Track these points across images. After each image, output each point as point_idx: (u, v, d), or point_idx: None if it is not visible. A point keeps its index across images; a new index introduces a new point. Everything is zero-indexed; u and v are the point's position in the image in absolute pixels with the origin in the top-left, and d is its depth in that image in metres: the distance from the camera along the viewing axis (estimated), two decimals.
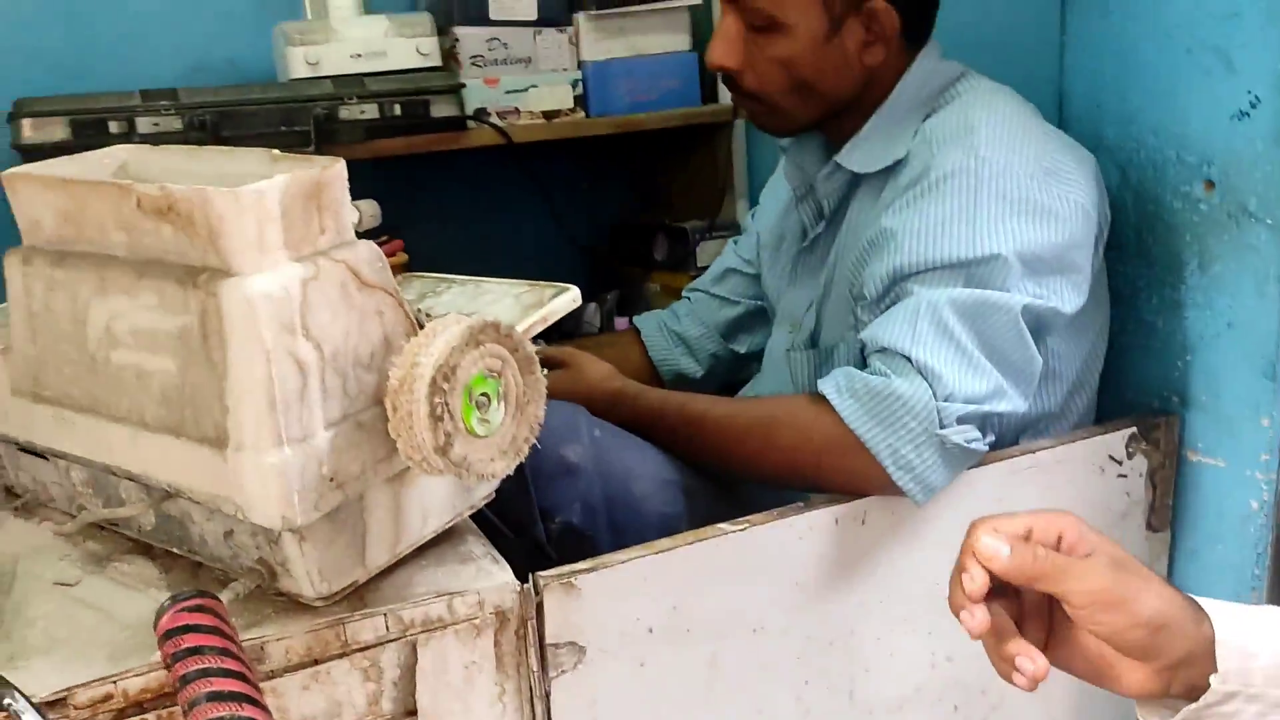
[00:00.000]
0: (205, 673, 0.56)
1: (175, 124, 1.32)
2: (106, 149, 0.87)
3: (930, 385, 0.89)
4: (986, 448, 0.92)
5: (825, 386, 0.92)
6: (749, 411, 0.97)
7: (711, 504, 0.98)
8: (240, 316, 0.66)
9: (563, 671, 0.82)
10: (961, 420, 0.89)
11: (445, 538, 0.83)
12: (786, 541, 0.89)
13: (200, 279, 0.68)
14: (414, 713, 0.77)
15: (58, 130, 1.28)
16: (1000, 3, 1.28)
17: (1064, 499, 1.01)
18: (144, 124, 1.30)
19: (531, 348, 0.72)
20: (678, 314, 1.33)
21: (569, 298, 0.85)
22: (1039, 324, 0.93)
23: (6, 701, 0.55)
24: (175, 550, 0.82)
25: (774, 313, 1.21)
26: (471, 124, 1.54)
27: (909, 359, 0.90)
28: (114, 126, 1.29)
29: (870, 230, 0.97)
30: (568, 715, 0.82)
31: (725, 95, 1.81)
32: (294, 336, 0.67)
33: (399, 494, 0.77)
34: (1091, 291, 0.99)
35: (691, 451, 0.99)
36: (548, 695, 0.82)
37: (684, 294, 1.36)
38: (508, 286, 0.89)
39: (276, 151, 0.76)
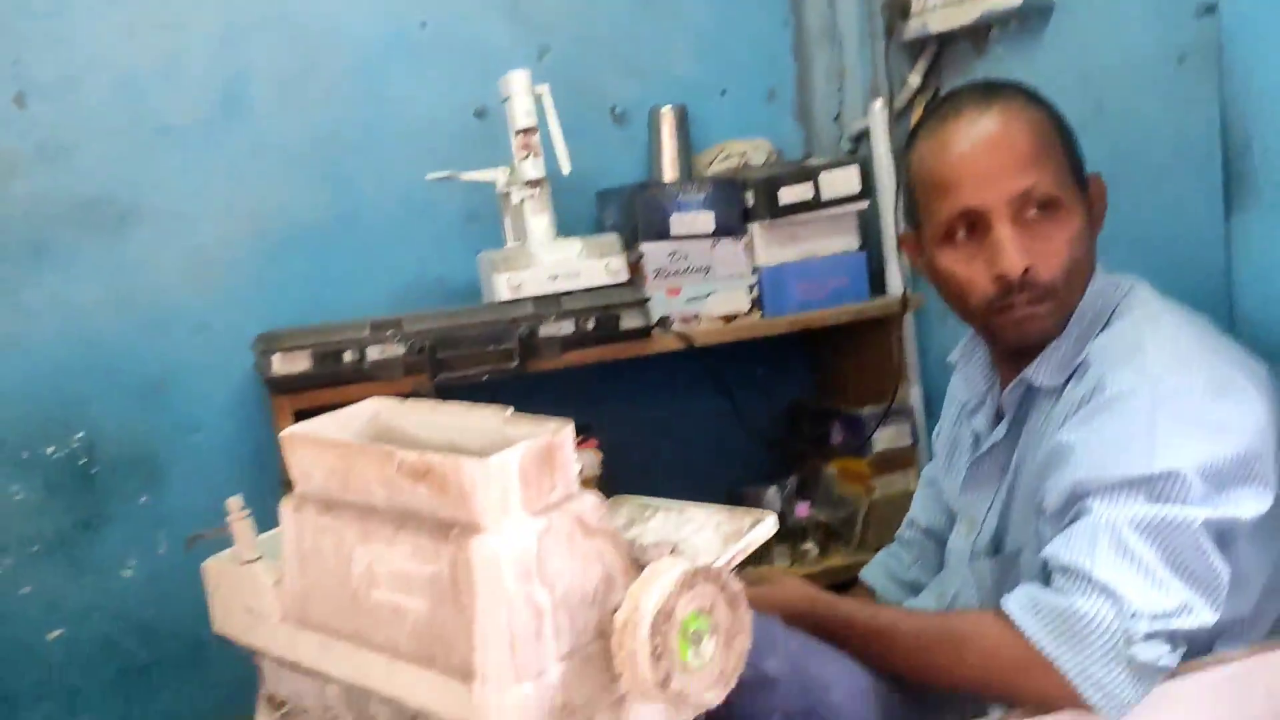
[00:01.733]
0: None
1: (399, 350, 1.49)
2: (361, 404, 1.01)
3: (1113, 603, 0.91)
4: (1175, 663, 0.93)
5: (1009, 605, 0.96)
6: (936, 626, 1.01)
7: (904, 711, 1.01)
8: (486, 568, 0.76)
9: None
10: (1149, 637, 0.91)
11: None
12: None
13: (452, 533, 0.79)
14: None
15: (302, 362, 1.46)
16: (1160, 200, 1.32)
17: (1259, 709, 0.99)
18: (373, 352, 1.48)
19: (738, 585, 0.80)
20: (902, 560, 1.37)
21: (767, 527, 0.93)
22: (1223, 535, 0.95)
23: None
24: None
25: (952, 515, 1.25)
26: (656, 332, 1.67)
27: (1089, 578, 0.93)
28: (348, 356, 1.47)
29: (1048, 443, 1.02)
30: None
31: (893, 288, 1.90)
32: (531, 583, 0.77)
33: (620, 717, 0.84)
34: (1278, 497, 1.00)
35: (882, 663, 1.03)
36: None
37: (900, 533, 1.40)
38: (708, 513, 0.97)
39: (509, 412, 0.88)
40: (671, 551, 0.91)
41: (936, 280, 1.13)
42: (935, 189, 1.07)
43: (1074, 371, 1.03)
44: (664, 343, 1.64)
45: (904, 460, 1.86)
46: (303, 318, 1.61)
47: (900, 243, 1.21)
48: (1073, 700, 0.92)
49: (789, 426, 2.06)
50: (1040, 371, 1.06)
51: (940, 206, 1.07)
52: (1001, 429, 1.11)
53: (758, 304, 1.77)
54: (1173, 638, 0.92)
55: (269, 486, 1.83)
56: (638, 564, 0.85)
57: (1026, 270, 1.03)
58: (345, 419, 0.98)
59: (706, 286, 1.73)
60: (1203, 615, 0.93)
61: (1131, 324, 1.03)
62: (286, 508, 0.94)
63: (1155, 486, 0.94)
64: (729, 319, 1.74)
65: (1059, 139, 1.07)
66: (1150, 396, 0.95)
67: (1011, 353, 1.11)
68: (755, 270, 1.77)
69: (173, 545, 1.84)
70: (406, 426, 0.95)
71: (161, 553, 1.84)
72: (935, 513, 1.33)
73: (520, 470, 0.78)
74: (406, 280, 1.91)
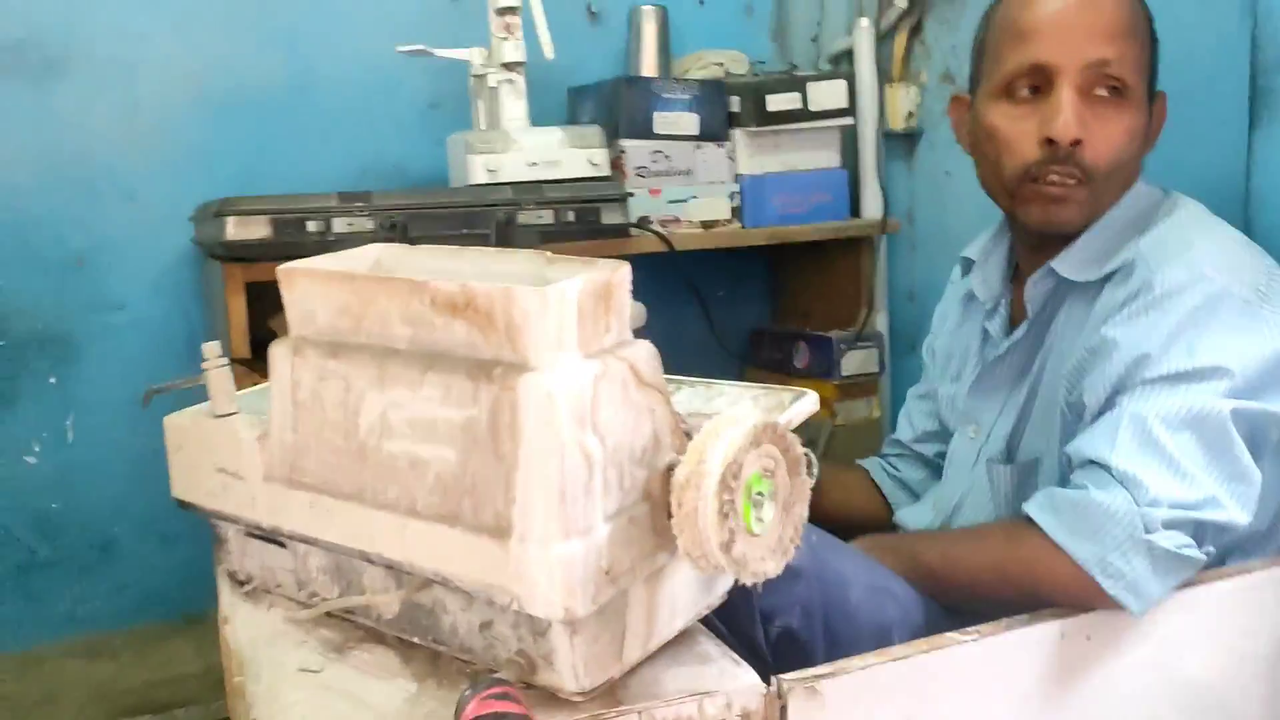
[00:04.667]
0: None
1: (367, 224, 1.37)
2: (361, 249, 0.91)
3: (1130, 493, 0.88)
4: (1204, 557, 0.90)
5: (1029, 508, 0.94)
6: (955, 537, 0.99)
7: (921, 612, 0.97)
8: (537, 410, 0.68)
9: None
10: (1169, 525, 0.88)
11: (679, 637, 0.83)
12: (1014, 654, 0.88)
13: (494, 373, 0.70)
14: None
15: (260, 229, 1.34)
16: (1184, 113, 1.29)
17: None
18: (339, 224, 1.36)
19: (801, 449, 0.73)
20: (892, 463, 1.33)
21: (809, 402, 0.87)
22: (1254, 437, 0.92)
23: None
24: (415, 640, 0.83)
25: (951, 423, 1.21)
26: (635, 231, 1.58)
27: (1109, 469, 0.90)
28: (312, 226, 1.35)
29: (1089, 339, 0.98)
30: None
31: (870, 210, 1.85)
32: (585, 431, 0.68)
33: (654, 591, 0.77)
34: None
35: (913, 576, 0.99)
36: None
37: (884, 450, 1.36)
38: (741, 389, 0.91)
39: (550, 253, 0.80)
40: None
41: (978, 139, 1.08)
42: (1012, 37, 1.02)
43: (1116, 270, 0.99)
44: (644, 243, 1.57)
45: (869, 387, 1.83)
46: (242, 193, 1.47)
47: (951, 104, 1.15)
48: (1095, 594, 0.88)
49: (751, 346, 2.00)
50: (1067, 263, 1.02)
51: (1010, 56, 1.02)
52: (1023, 328, 1.07)
53: (737, 214, 1.70)
54: (1197, 530, 0.89)
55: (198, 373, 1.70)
56: (684, 431, 0.78)
57: (1077, 143, 0.99)
58: (347, 261, 0.88)
59: (688, 190, 1.66)
60: (1232, 511, 0.90)
61: (1179, 224, 1.00)
62: (280, 354, 0.83)
63: (1193, 380, 0.91)
64: (708, 225, 1.67)
65: (1147, 34, 1.03)
66: (1201, 294, 0.93)
67: (1034, 241, 1.07)
68: (737, 179, 1.71)
69: (83, 432, 1.69)
70: (419, 274, 0.86)
71: (70, 440, 1.69)
72: (927, 426, 1.29)
73: (579, 305, 0.70)
74: (362, 163, 1.78)
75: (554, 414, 0.67)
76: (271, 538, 0.89)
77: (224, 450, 0.88)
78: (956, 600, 0.97)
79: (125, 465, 1.69)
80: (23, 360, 1.64)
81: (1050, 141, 0.99)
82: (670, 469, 0.74)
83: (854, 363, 1.79)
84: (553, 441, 0.67)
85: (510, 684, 0.63)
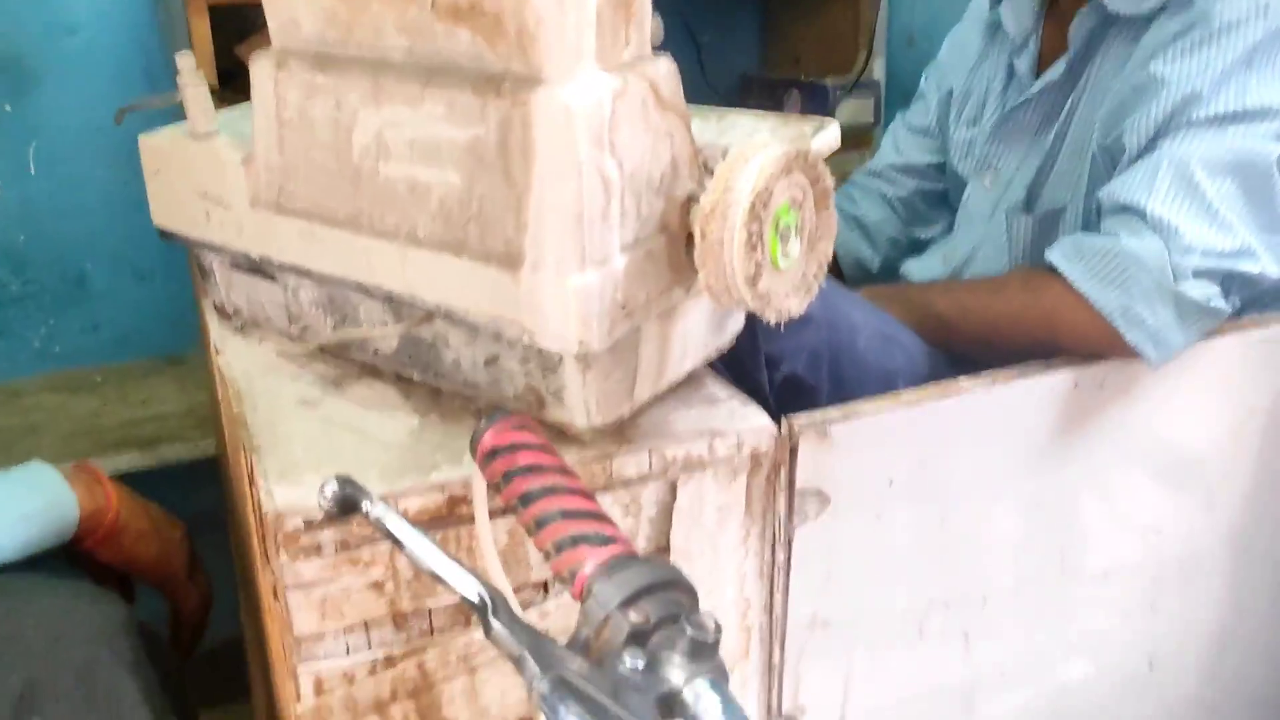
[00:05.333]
0: (551, 490, 0.54)
1: None
2: None
3: (1164, 240, 0.85)
4: (1229, 309, 0.88)
5: (1052, 255, 0.90)
6: (971, 285, 0.96)
7: (927, 362, 0.95)
8: (552, 128, 0.62)
9: (806, 520, 0.80)
10: (1199, 274, 0.86)
11: (687, 379, 0.81)
12: (1026, 401, 0.87)
13: (503, 87, 0.64)
14: (665, 549, 0.76)
15: None
16: None
17: None
18: None
19: (831, 180, 0.69)
20: (853, 197, 1.27)
21: (832, 133, 0.81)
22: None
23: (365, 506, 0.53)
24: (414, 376, 0.80)
25: (964, 171, 1.16)
26: None
27: (1143, 215, 0.86)
28: None
29: (1135, 76, 0.91)
30: (806, 564, 0.81)
31: None
32: (602, 152, 0.63)
33: (667, 329, 0.74)
34: None
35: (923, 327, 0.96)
36: (790, 542, 0.80)
37: (855, 178, 1.30)
38: (756, 118, 0.85)
39: None
40: (724, 154, 0.78)
41: None
42: None
43: (1169, 2, 0.92)
44: None
45: (865, 138, 1.75)
46: None
47: None
48: (1115, 343, 0.86)
49: (740, 95, 1.91)
50: None
51: None
52: (1059, 67, 1.00)
53: None
54: (1227, 280, 0.87)
55: (159, 92, 1.60)
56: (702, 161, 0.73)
57: None
58: None
59: None
60: (1265, 263, 0.87)
61: None
62: (261, 67, 0.76)
63: (1242, 121, 0.86)
64: None
65: None
66: (1263, 29, 0.86)
67: None
68: None
69: (45, 163, 1.60)
70: None
71: (33, 172, 1.60)
72: (918, 160, 1.23)
73: (598, 10, 0.63)
74: None
75: (571, 133, 0.62)
76: (260, 269, 0.85)
77: (206, 174, 0.82)
78: (970, 352, 0.95)
79: (93, 197, 1.62)
80: None
81: None
82: (690, 199, 0.70)
83: (849, 112, 1.71)
84: (569, 163, 0.62)
85: (525, 414, 0.61)
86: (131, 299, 1.69)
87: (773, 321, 0.67)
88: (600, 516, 0.54)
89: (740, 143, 0.65)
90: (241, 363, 0.84)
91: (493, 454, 0.57)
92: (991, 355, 0.94)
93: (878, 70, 1.79)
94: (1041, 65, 1.07)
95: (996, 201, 1.08)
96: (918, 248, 1.25)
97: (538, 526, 0.54)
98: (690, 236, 0.70)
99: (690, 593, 0.52)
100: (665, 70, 0.67)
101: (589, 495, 0.56)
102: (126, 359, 1.68)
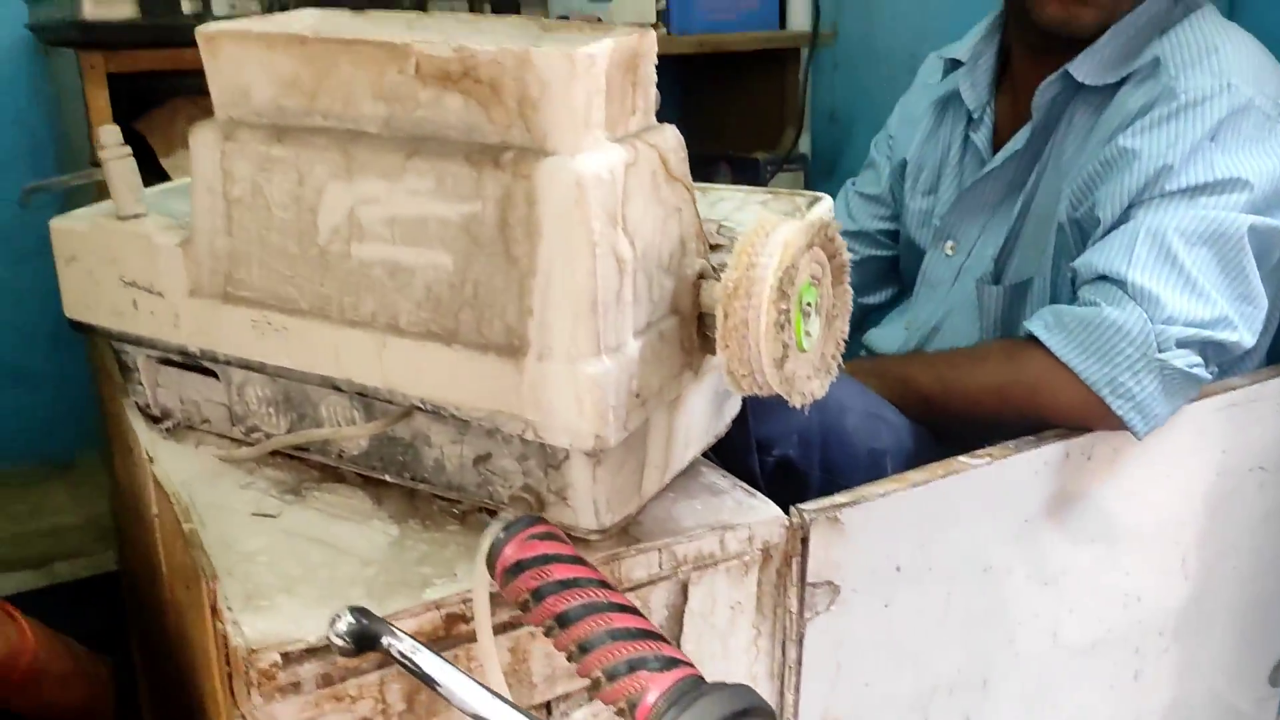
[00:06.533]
0: (594, 608, 0.48)
1: (253, 6, 1.18)
2: (292, 12, 0.75)
3: (1146, 309, 0.84)
4: (1209, 377, 0.88)
5: (1033, 326, 0.89)
6: (952, 356, 0.95)
7: (911, 438, 0.92)
8: (562, 202, 0.56)
9: (817, 614, 0.75)
10: (1181, 344, 0.85)
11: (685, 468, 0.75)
12: (1022, 475, 0.84)
13: (503, 158, 0.58)
14: None
15: (124, 7, 1.13)
16: None
17: (1266, 433, 0.97)
18: (220, 4, 1.16)
19: (848, 255, 0.64)
20: None
21: (826, 207, 0.77)
22: (1261, 251, 0.89)
23: (386, 641, 0.45)
24: (385, 477, 0.72)
25: (920, 239, 1.14)
26: None
27: (1124, 284, 0.86)
28: (187, 6, 1.15)
29: (1102, 150, 0.91)
30: (817, 660, 0.76)
31: (797, 20, 1.73)
32: (615, 229, 0.58)
33: (673, 417, 0.68)
34: None
35: (906, 402, 0.93)
36: (801, 639, 0.75)
37: None
38: (745, 193, 0.81)
39: (546, 19, 0.66)
40: (718, 229, 0.74)
41: None
42: None
43: (1132, 74, 0.92)
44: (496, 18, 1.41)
45: None
46: None
47: None
48: (1101, 415, 0.85)
49: None
50: (1085, 66, 0.95)
51: None
52: (1022, 137, 1.00)
53: (663, 18, 1.55)
54: (1205, 348, 0.87)
55: (42, 174, 1.47)
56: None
57: None
58: (275, 27, 0.72)
59: None
60: (1241, 333, 0.87)
61: (1200, 26, 0.93)
62: (204, 139, 0.68)
63: (1213, 193, 0.87)
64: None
65: None
66: (1227, 104, 0.87)
67: (1040, 43, 0.98)
68: None
69: None
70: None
71: None
72: (869, 226, 1.21)
73: (607, 76, 0.58)
74: None
75: (583, 208, 0.56)
76: (197, 365, 0.76)
77: (134, 260, 0.73)
78: (951, 424, 0.92)
79: None
80: None
81: None
82: (702, 277, 0.65)
83: (781, 185, 1.70)
84: (581, 241, 0.56)
85: (545, 520, 0.54)
86: (10, 401, 1.54)
87: (797, 405, 0.62)
88: (656, 635, 0.48)
89: (760, 217, 0.60)
90: (180, 472, 0.74)
91: (516, 568, 0.50)
92: (971, 428, 0.91)
93: (803, 145, 1.79)
94: (996, 135, 1.07)
95: (958, 269, 1.07)
96: (866, 316, 1.23)
97: (581, 651, 0.47)
98: (702, 317, 0.65)
99: (771, 717, 0.45)
100: (673, 140, 0.63)
101: (637, 611, 0.49)
102: (4, 466, 1.52)
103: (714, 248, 0.69)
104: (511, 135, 0.58)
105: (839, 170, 1.88)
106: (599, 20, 1.50)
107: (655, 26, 1.54)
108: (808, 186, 1.78)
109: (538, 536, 0.51)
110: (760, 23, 1.63)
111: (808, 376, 0.63)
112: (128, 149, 0.73)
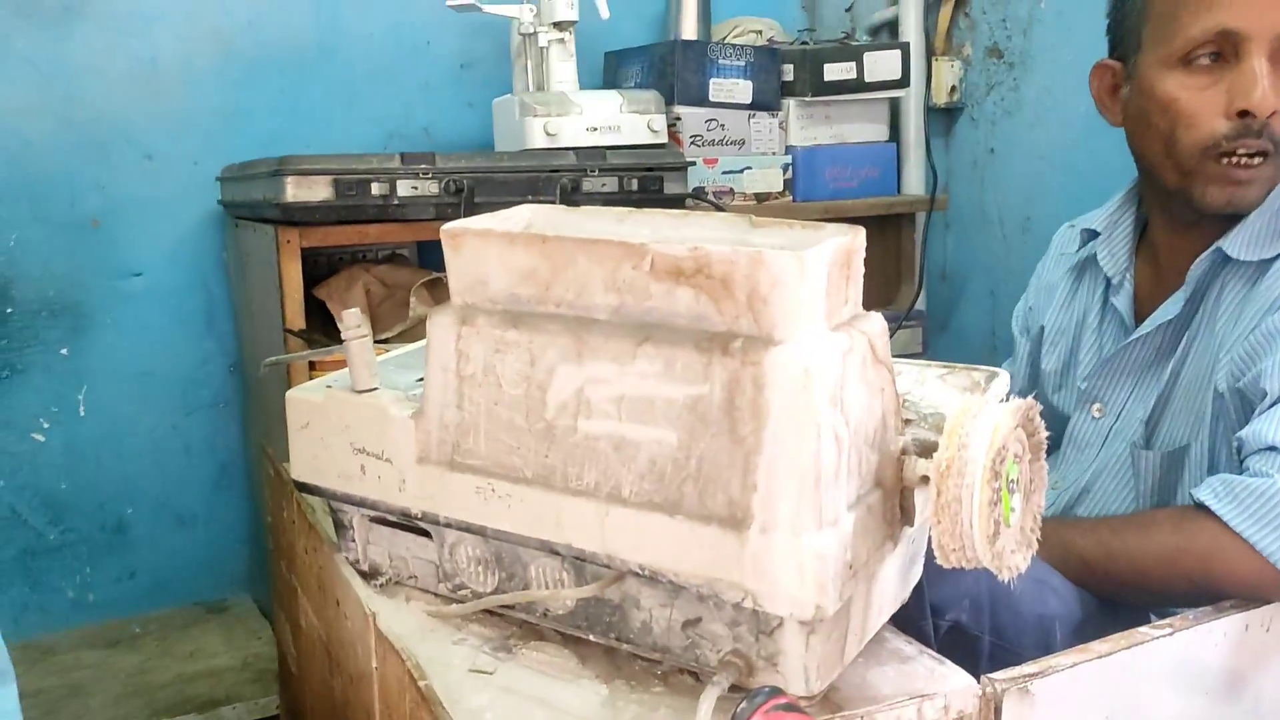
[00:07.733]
0: None
1: (432, 188, 1.29)
2: (512, 210, 0.83)
3: None
4: None
5: (1203, 495, 0.90)
6: (1118, 525, 0.95)
7: (1079, 605, 0.93)
8: (790, 388, 0.61)
9: None
10: None
11: None
12: (1203, 647, 0.84)
13: (731, 346, 0.63)
14: None
15: (321, 190, 1.24)
16: None
17: None
18: (404, 186, 1.27)
19: (1046, 433, 0.68)
20: None
21: (1003, 382, 0.82)
22: None
23: None
24: (589, 637, 0.76)
25: (1059, 403, 1.17)
26: (690, 202, 1.52)
27: None
28: (376, 188, 1.26)
29: (1261, 322, 0.94)
30: None
31: (912, 186, 1.81)
32: (836, 411, 0.63)
33: (871, 585, 0.72)
34: None
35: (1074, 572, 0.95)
36: None
37: None
38: (922, 367, 0.85)
39: (754, 216, 0.73)
40: (902, 404, 0.78)
41: (1145, 110, 1.02)
42: (1187, 2, 0.97)
43: None
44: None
45: None
46: (263, 155, 1.37)
47: (1094, 72, 1.09)
48: (1278, 586, 0.86)
49: None
50: (1238, 242, 0.98)
51: (1190, 21, 0.97)
52: (1174, 306, 1.03)
53: (788, 186, 1.64)
54: None
55: (219, 345, 1.59)
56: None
57: (1274, 114, 0.95)
58: (502, 224, 0.80)
59: (742, 161, 1.60)
60: None
61: None
62: (443, 324, 0.75)
63: None
64: (761, 198, 1.61)
65: None
66: None
67: (1195, 219, 1.02)
68: (788, 150, 1.65)
69: (95, 407, 1.57)
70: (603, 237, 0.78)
71: (82, 415, 1.57)
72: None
73: (828, 273, 0.64)
74: (389, 127, 1.69)
75: (810, 394, 0.61)
76: (412, 525, 0.82)
77: (367, 429, 0.80)
78: (1115, 592, 0.94)
79: (139, 442, 1.58)
80: (33, 330, 1.51)
81: (1244, 114, 0.94)
82: (903, 453, 0.69)
83: (900, 343, 1.75)
84: (807, 422, 0.61)
85: (782, 692, 0.57)
86: (171, 546, 1.63)
87: (1004, 579, 0.65)
88: None
89: (965, 398, 0.65)
90: (397, 625, 0.79)
91: None
92: (1133, 596, 0.92)
93: (920, 302, 1.85)
94: (1137, 299, 1.10)
95: (1108, 432, 1.09)
96: None
97: None
98: (904, 490, 0.69)
99: None
100: (879, 327, 0.68)
101: None
102: (162, 608, 1.60)
103: (905, 422, 0.74)
104: (739, 325, 0.64)
105: (951, 326, 1.93)
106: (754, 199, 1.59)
107: (781, 195, 1.63)
108: (925, 342, 1.83)
109: (780, 707, 0.54)
110: (880, 189, 1.71)
111: (1013, 550, 0.66)
112: (367, 330, 0.81)
